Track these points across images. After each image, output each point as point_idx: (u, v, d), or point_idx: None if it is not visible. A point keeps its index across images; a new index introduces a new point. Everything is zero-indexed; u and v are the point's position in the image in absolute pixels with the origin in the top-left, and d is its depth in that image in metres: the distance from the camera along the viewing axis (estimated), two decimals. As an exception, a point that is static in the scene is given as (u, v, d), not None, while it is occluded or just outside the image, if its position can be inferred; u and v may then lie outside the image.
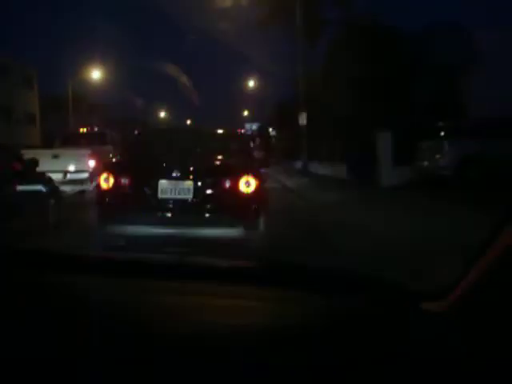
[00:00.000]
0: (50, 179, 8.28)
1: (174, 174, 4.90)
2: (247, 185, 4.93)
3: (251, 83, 42.21)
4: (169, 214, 4.91)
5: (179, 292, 1.08)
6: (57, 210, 7.57)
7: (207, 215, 4.90)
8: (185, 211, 4.89)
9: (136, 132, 7.23)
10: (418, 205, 8.63)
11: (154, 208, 4.87)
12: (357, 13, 20.27)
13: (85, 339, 0.85)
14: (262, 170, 6.06)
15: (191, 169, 4.99)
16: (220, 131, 6.74)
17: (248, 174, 4.97)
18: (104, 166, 5.45)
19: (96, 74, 34.34)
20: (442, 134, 12.11)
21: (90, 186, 10.73)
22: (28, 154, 7.82)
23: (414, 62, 14.92)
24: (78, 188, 10.39)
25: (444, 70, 14.46)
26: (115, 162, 5.67)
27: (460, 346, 0.87)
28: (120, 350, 0.82)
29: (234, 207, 4.85)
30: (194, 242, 4.72)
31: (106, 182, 5.01)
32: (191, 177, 4.90)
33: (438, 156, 11.81)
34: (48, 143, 25.26)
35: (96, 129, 15.76)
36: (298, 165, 24.57)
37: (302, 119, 18.89)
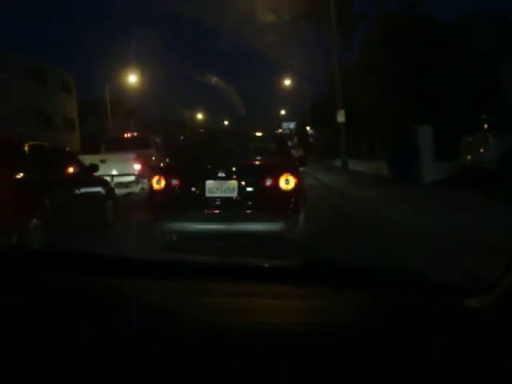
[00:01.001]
0: (107, 182, 9.05)
1: (219, 175, 5.47)
2: (286, 182, 5.41)
3: (287, 82, 42.53)
4: (215, 211, 5.47)
5: (222, 293, 1.11)
6: (113, 210, 8.31)
7: (250, 211, 5.40)
8: (230, 208, 5.42)
9: (181, 137, 7.78)
10: (461, 200, 8.51)
11: (201, 206, 5.45)
12: (392, 5, 20.33)
13: (126, 339, 0.88)
14: (301, 169, 6.45)
15: (235, 169, 5.53)
16: (259, 133, 7.23)
17: (287, 172, 5.47)
18: (156, 169, 6.09)
19: (133, 79, 35.48)
20: (486, 127, 12.16)
21: (136, 189, 11.49)
22: None
23: (453, 53, 14.87)
24: (124, 191, 11.16)
25: (483, 60, 14.38)
26: (166, 165, 6.24)
27: (499, 343, 0.88)
28: (163, 350, 0.84)
29: (274, 203, 5.36)
30: (239, 236, 5.34)
31: (158, 183, 5.63)
32: (235, 176, 5.46)
33: (481, 150, 11.85)
34: (87, 148, 26.31)
35: (135, 134, 16.37)
36: (337, 163, 24.77)
37: (340, 116, 19.18)
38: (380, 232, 6.75)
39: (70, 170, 7.43)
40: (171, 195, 5.58)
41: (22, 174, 6.00)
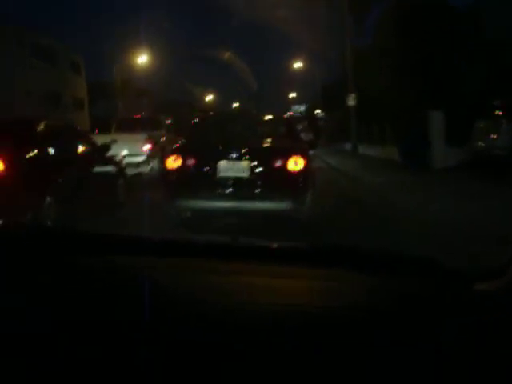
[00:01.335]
0: (119, 161, 9.19)
1: (231, 156, 5.79)
2: (295, 164, 5.72)
3: (299, 64, 42.25)
4: (227, 190, 5.77)
5: (231, 272, 1.11)
6: (124, 189, 8.48)
7: (260, 191, 5.73)
8: (241, 187, 5.75)
9: (193, 118, 7.92)
10: (471, 187, 8.52)
11: (215, 185, 5.78)
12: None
13: (134, 319, 0.87)
14: (310, 152, 6.64)
15: (246, 150, 5.85)
16: (270, 116, 7.64)
17: (296, 154, 5.79)
18: (171, 150, 6.38)
19: (143, 59, 35.45)
20: (499, 112, 12.10)
21: (146, 169, 11.70)
22: None
23: (465, 37, 14.71)
24: (135, 170, 11.36)
25: (497, 44, 14.22)
26: (181, 146, 6.51)
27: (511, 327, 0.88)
28: (174, 331, 0.84)
29: (283, 184, 5.69)
30: (249, 214, 5.75)
31: (173, 163, 5.94)
32: (246, 157, 5.79)
33: (493, 135, 11.85)
34: (97, 128, 26.40)
35: (146, 114, 16.42)
36: (347, 146, 24.73)
37: (350, 100, 19.16)
38: (389, 217, 6.75)
39: (83, 149, 7.55)
40: (186, 174, 5.90)
41: (35, 153, 6.10)
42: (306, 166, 5.77)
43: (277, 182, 5.72)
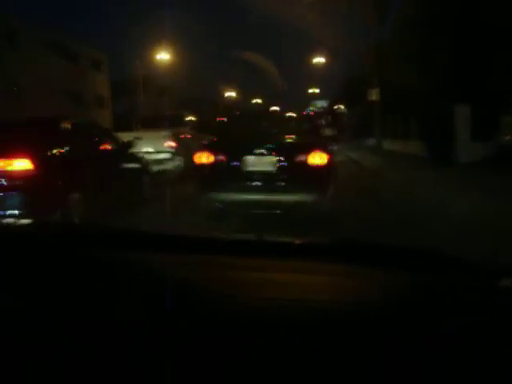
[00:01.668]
0: (143, 158, 9.36)
1: (258, 151, 6.24)
2: (318, 159, 6.10)
3: (319, 60, 42.06)
4: (254, 184, 6.22)
5: (255, 268, 1.12)
6: (148, 186, 8.63)
7: (285, 184, 6.12)
8: (268, 181, 6.18)
9: (223, 118, 8.21)
10: (497, 183, 8.38)
11: (243, 178, 6.22)
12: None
13: (155, 315, 0.88)
14: (334, 147, 6.96)
15: (272, 146, 6.28)
16: (293, 114, 8.08)
17: (319, 149, 6.18)
18: (203, 147, 6.82)
19: (165, 56, 35.71)
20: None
21: (170, 166, 11.81)
22: None
23: (491, 28, 14.38)
24: (159, 167, 11.48)
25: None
26: (211, 143, 7.01)
27: None
28: (196, 325, 0.85)
29: (306, 177, 6.05)
30: (275, 205, 6.18)
31: (205, 158, 6.42)
32: (272, 153, 6.20)
33: (520, 130, 11.69)
34: (119, 126, 26.70)
35: (169, 111, 16.58)
36: (370, 142, 24.59)
37: (373, 95, 19.03)
38: (413, 213, 6.71)
39: (107, 146, 7.70)
40: (216, 169, 6.36)
41: (61, 151, 6.24)
42: (327, 161, 6.13)
43: (300, 175, 6.08)
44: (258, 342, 0.80)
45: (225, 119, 8.58)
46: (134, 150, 8.69)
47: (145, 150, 11.40)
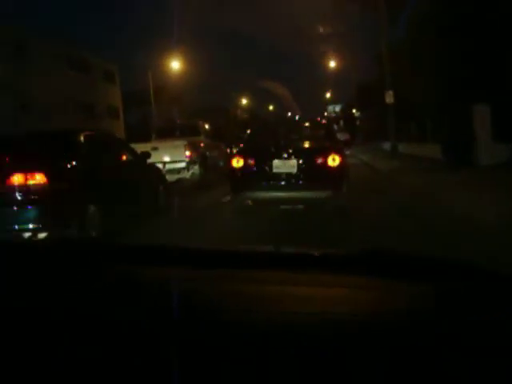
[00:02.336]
0: (158, 168, 9.39)
1: (283, 155, 7.27)
2: (333, 161, 7.11)
3: (332, 64, 42.03)
4: (280, 183, 7.24)
5: (273, 282, 1.12)
6: (164, 196, 8.63)
7: (305, 183, 7.18)
8: (290, 181, 7.22)
9: (249, 130, 9.47)
10: None
11: (270, 179, 7.28)
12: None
13: (166, 328, 0.89)
14: (347, 152, 7.84)
15: (294, 151, 7.30)
16: (308, 124, 9.51)
17: (334, 153, 7.18)
18: (235, 153, 8.02)
19: (176, 66, 35.94)
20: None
21: (187, 175, 11.97)
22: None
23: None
24: (176, 176, 11.71)
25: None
26: (242, 149, 8.09)
27: None
28: (213, 339, 0.85)
29: (323, 177, 7.09)
30: (297, 201, 7.39)
31: (237, 162, 7.48)
32: (294, 157, 7.23)
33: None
34: (131, 136, 26.90)
35: (184, 121, 16.69)
36: (385, 145, 24.40)
37: (388, 97, 18.82)
38: (435, 220, 6.46)
39: (123, 157, 7.68)
40: (247, 171, 7.42)
41: (77, 163, 6.20)
42: (341, 163, 7.16)
43: (318, 175, 7.14)
44: (272, 356, 0.79)
45: (250, 129, 9.72)
46: (151, 160, 8.79)
47: (161, 159, 11.58)
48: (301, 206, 7.60)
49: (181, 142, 12.21)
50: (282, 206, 7.55)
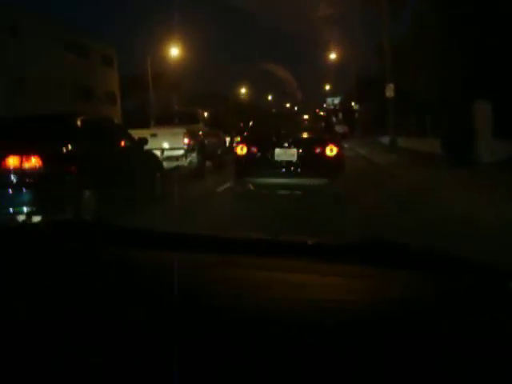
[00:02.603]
0: (155, 155, 9.34)
1: (284, 145, 7.86)
2: (330, 151, 7.69)
3: (332, 56, 41.85)
4: (281, 170, 7.81)
5: (272, 268, 1.13)
6: (161, 183, 8.58)
7: (305, 170, 7.73)
8: (290, 168, 7.79)
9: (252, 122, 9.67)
10: None
11: (271, 166, 7.83)
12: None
13: (167, 313, 0.89)
14: (344, 145, 8.17)
15: (294, 141, 7.89)
16: (308, 115, 10.01)
17: (331, 143, 7.77)
18: (239, 141, 8.82)
19: (175, 52, 35.67)
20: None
21: (185, 162, 12.01)
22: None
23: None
24: (174, 164, 11.76)
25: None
26: (246, 137, 8.62)
27: None
28: (207, 324, 0.85)
29: (321, 165, 7.65)
30: (296, 187, 7.91)
31: (241, 150, 8.08)
32: (294, 146, 7.80)
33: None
34: (129, 122, 26.74)
35: (183, 108, 16.67)
36: (384, 139, 24.34)
37: (389, 91, 18.70)
38: (434, 217, 6.33)
39: (120, 142, 7.60)
40: (250, 158, 7.97)
41: (72, 148, 6.13)
42: (338, 153, 7.76)
43: (316, 164, 7.70)
44: (262, 342, 0.79)
45: (253, 119, 9.88)
46: (149, 146, 8.91)
47: (160, 146, 11.60)
48: (299, 192, 8.10)
49: (180, 130, 12.18)
50: (281, 191, 8.14)
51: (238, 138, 11.74)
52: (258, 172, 7.86)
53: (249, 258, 1.20)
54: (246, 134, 8.92)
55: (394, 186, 10.22)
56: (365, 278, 1.08)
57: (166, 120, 14.25)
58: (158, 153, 10.62)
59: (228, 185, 9.65)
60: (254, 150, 7.98)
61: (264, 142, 8.04)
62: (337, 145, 7.80)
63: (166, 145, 11.84)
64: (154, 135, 11.34)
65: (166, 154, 11.64)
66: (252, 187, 8.02)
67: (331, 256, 1.18)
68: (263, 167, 7.83)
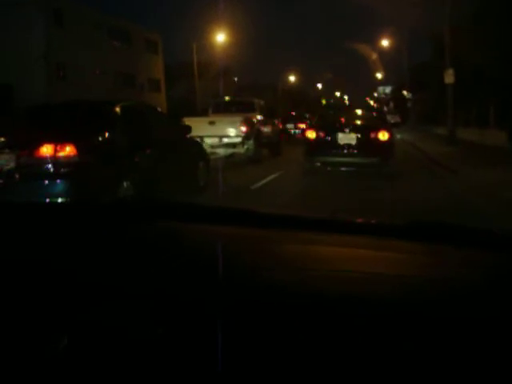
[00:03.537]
0: (199, 143, 9.29)
1: (345, 130, 10.14)
2: (383, 135, 9.90)
3: (385, 42, 40.68)
4: (342, 151, 10.00)
5: (326, 243, 1.19)
6: (205, 172, 8.28)
7: (362, 151, 9.85)
8: (350, 149, 9.97)
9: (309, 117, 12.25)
10: None
11: (335, 147, 10.01)
12: None
13: (210, 286, 0.89)
14: (398, 136, 10.46)
15: (353, 127, 10.28)
16: (360, 110, 13.22)
17: (383, 130, 10.05)
18: (310, 126, 11.74)
19: (222, 39, 35.44)
20: None
21: (241, 149, 12.69)
22: (189, 122, 10.02)
23: None
24: (230, 151, 12.71)
25: None
26: (315, 124, 11.18)
27: None
28: (250, 296, 0.85)
29: (375, 147, 9.76)
30: (355, 165, 9.98)
31: (311, 134, 10.40)
32: (354, 131, 10.08)
33: None
34: (174, 110, 26.75)
35: (241, 97, 18.86)
36: (440, 130, 23.32)
37: (448, 76, 17.58)
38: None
39: (162, 130, 7.28)
40: (318, 141, 10.18)
41: (111, 136, 5.96)
42: (389, 138, 9.97)
43: (371, 146, 9.77)
44: (293, 314, 0.79)
45: (320, 110, 12.58)
46: (208, 134, 10.82)
47: (218, 134, 12.51)
48: (356, 169, 9.91)
49: (237, 118, 12.89)
50: (342, 168, 10.04)
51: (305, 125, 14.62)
52: (324, 152, 9.93)
53: (309, 234, 1.23)
54: (314, 121, 11.44)
55: (454, 182, 9.54)
56: (425, 255, 1.10)
57: (224, 108, 15.13)
58: (216, 140, 12.02)
59: (282, 172, 10.79)
60: (322, 134, 10.18)
61: (329, 127, 10.29)
62: (388, 131, 10.07)
63: (223, 132, 12.56)
64: (212, 123, 12.52)
65: (225, 141, 12.49)
66: (319, 164, 10.07)
67: (381, 234, 1.22)
68: (329, 148, 9.93)
